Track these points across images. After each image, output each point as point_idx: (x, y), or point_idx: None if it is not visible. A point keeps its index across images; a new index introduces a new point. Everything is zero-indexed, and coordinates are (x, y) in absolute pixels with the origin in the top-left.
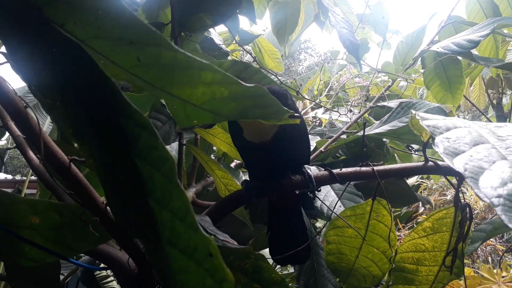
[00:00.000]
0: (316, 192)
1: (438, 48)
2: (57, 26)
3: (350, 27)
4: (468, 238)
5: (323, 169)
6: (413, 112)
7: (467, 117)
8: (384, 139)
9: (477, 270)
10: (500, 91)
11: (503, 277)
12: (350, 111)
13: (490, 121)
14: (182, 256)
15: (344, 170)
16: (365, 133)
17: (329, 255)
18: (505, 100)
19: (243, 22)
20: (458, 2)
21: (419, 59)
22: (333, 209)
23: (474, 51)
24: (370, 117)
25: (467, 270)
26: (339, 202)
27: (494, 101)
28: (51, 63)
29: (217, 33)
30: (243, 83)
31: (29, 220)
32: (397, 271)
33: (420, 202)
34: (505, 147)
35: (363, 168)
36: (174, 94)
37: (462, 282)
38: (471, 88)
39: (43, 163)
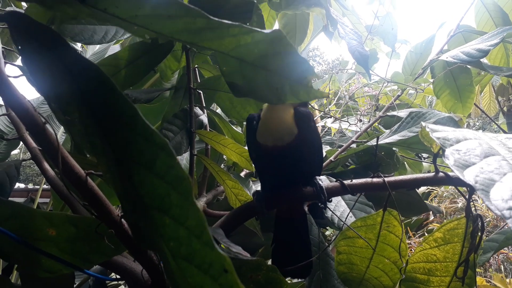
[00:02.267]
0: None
1: (447, 58)
2: (100, 11)
3: (359, 38)
4: (480, 249)
5: (334, 180)
6: (423, 123)
7: (477, 124)
8: (394, 148)
9: (489, 279)
10: (511, 98)
11: None
12: (360, 120)
13: (500, 128)
14: (198, 271)
15: (355, 181)
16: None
17: (339, 265)
18: None
19: None
20: (467, 12)
21: (428, 68)
22: (345, 220)
23: (484, 60)
24: (380, 126)
25: (479, 280)
26: (350, 212)
27: (505, 108)
28: (67, 77)
29: None
30: (263, 30)
31: (46, 232)
32: (408, 282)
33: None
34: None
35: (375, 179)
36: (205, 46)
37: None
38: (481, 95)
39: (59, 176)
